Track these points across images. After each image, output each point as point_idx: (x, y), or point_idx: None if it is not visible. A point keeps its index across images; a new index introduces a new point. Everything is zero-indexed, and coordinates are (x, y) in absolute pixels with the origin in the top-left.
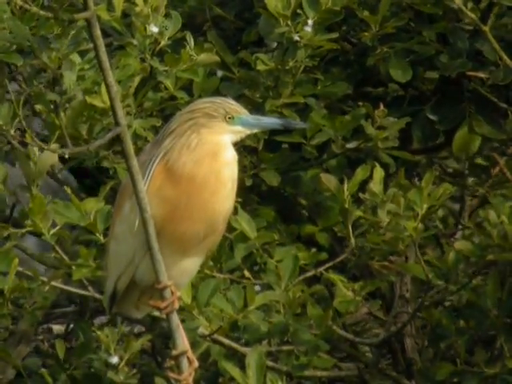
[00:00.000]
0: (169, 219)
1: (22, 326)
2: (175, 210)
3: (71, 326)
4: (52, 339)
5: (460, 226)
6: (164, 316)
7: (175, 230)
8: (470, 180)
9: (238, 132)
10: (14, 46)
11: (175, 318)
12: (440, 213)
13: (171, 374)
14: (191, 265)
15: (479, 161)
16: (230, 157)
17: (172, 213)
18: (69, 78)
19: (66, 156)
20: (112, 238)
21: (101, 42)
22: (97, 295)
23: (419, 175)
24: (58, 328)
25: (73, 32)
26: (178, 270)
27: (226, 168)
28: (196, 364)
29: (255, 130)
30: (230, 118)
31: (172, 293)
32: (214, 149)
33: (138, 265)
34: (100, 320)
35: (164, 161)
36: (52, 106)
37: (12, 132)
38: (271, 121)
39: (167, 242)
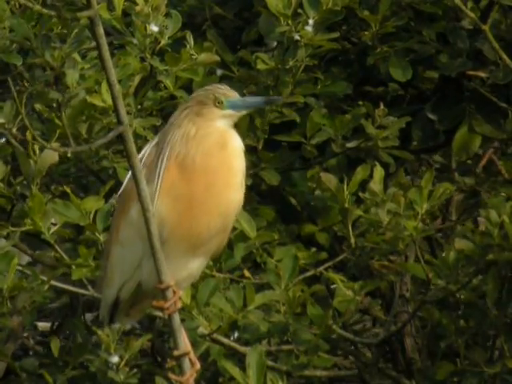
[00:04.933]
0: (184, 217)
1: (12, 323)
2: (191, 207)
3: (58, 322)
4: (37, 336)
5: (447, 223)
6: (166, 316)
7: (190, 226)
8: (464, 178)
9: (229, 116)
10: (14, 45)
11: (177, 318)
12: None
13: (172, 376)
14: (198, 266)
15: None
16: (238, 146)
17: (188, 210)
18: (71, 77)
19: (69, 154)
20: (116, 243)
21: (104, 41)
22: (96, 294)
23: (406, 170)
24: (43, 325)
25: (76, 30)
26: (186, 271)
27: (236, 158)
28: (198, 366)
29: (244, 112)
30: (219, 102)
31: (174, 292)
32: (221, 139)
33: (143, 268)
34: (88, 316)
35: (173, 157)
36: (54, 105)
37: (14, 130)
38: (255, 99)
39: (180, 241)
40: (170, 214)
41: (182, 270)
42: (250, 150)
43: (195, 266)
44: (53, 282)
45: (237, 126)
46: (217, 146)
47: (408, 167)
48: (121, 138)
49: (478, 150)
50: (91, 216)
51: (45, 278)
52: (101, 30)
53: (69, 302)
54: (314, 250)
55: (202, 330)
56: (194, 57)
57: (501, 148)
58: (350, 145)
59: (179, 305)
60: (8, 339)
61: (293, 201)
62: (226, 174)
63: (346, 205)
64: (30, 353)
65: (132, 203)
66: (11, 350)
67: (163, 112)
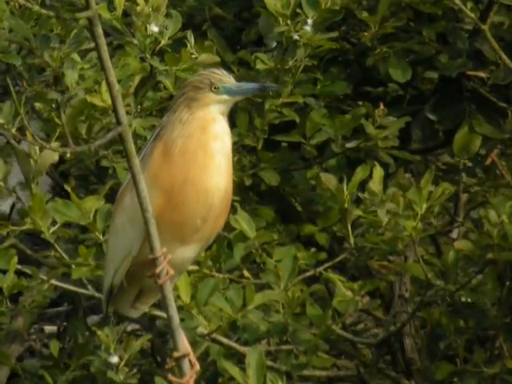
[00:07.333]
0: (166, 208)
1: (16, 325)
2: (171, 197)
3: (64, 324)
4: (44, 339)
5: (455, 224)
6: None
7: (172, 218)
8: (465, 178)
9: (225, 101)
10: (13, 45)
11: (176, 318)
12: (435, 210)
13: (172, 378)
14: (190, 253)
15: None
16: (219, 130)
17: (168, 201)
18: (70, 77)
19: (68, 155)
20: (111, 231)
21: (102, 41)
22: (96, 294)
23: (412, 172)
24: (49, 328)
25: (74, 31)
26: (177, 258)
27: (214, 141)
28: (197, 367)
29: (238, 97)
30: (215, 88)
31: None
32: (203, 122)
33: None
34: (92, 319)
35: (162, 142)
36: (53, 105)
37: (13, 131)
38: (250, 85)
39: (165, 230)
40: (155, 205)
41: (173, 257)
42: (249, 150)
43: (187, 253)
44: (53, 282)
45: (237, 126)
46: (199, 129)
47: (414, 168)
48: (120, 139)
49: (478, 150)
50: (91, 215)
51: (45, 278)
52: (99, 31)
53: (71, 306)
54: (313, 250)
55: (201, 329)
56: (193, 56)
57: (500, 148)
58: (349, 145)
59: (171, 272)
60: (13, 341)
61: (293, 201)
62: (201, 157)
63: (346, 205)
64: (36, 355)
65: (127, 192)
66: (17, 353)
67: (163, 112)
